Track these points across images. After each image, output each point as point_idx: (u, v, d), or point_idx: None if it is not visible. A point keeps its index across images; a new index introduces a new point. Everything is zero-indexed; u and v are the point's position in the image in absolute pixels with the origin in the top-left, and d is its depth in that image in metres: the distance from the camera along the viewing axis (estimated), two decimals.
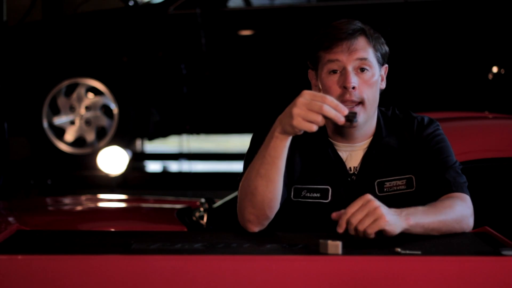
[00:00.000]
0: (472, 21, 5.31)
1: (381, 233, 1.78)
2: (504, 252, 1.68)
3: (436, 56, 5.34)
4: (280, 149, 1.90)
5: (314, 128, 1.80)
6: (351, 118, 1.82)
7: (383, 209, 1.77)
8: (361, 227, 1.76)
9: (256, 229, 2.01)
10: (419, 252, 1.71)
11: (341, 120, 1.80)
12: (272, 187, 1.94)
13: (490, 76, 5.23)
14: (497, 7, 5.30)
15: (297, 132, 1.84)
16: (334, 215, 1.80)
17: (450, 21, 5.35)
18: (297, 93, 1.84)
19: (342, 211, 1.79)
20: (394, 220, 1.78)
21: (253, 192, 1.96)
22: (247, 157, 2.15)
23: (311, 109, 1.79)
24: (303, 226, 2.12)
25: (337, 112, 1.79)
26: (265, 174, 1.93)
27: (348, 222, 1.77)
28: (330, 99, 1.79)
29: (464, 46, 5.30)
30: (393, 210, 1.81)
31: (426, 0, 5.44)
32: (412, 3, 5.34)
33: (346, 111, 1.80)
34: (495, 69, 5.22)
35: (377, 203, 1.78)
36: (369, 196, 1.79)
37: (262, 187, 1.94)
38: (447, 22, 5.35)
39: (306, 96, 1.81)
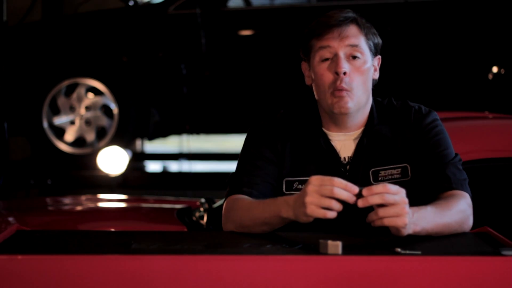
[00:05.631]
0: (472, 21, 5.31)
1: (386, 229, 1.80)
2: (504, 252, 1.68)
3: (436, 56, 5.34)
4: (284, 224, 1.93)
5: (329, 214, 1.76)
6: (359, 193, 1.77)
7: (408, 210, 1.78)
8: (381, 214, 1.76)
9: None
10: (419, 252, 1.71)
11: (352, 199, 1.75)
12: (268, 229, 1.97)
13: (490, 76, 5.23)
14: (497, 7, 5.30)
15: (310, 220, 1.81)
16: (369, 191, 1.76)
17: (450, 21, 5.35)
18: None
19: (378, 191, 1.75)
20: (408, 228, 1.80)
21: (248, 227, 1.99)
22: (242, 157, 2.17)
23: (323, 195, 1.75)
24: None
25: (348, 192, 1.75)
26: (270, 226, 1.96)
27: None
28: (338, 180, 1.76)
29: (464, 46, 5.29)
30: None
31: (426, 0, 5.44)
32: (412, 3, 5.34)
33: (356, 189, 1.76)
34: (495, 69, 5.22)
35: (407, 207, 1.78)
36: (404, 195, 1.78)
37: (259, 229, 1.97)
38: (447, 22, 5.35)
39: (314, 182, 1.77)
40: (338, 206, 1.75)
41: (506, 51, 5.25)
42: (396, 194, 1.76)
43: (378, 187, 1.75)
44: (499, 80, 5.22)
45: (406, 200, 1.78)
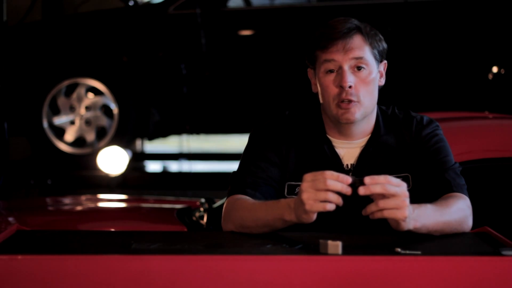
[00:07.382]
0: (472, 21, 5.31)
1: (386, 223, 1.79)
2: (504, 252, 1.68)
3: (436, 56, 5.34)
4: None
5: (328, 207, 1.76)
6: (357, 184, 1.77)
7: (409, 204, 1.78)
8: (382, 205, 1.76)
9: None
10: (419, 252, 1.71)
11: (347, 190, 1.76)
12: (269, 231, 1.97)
13: (490, 76, 5.23)
14: (497, 7, 5.30)
15: (312, 217, 1.81)
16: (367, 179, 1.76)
17: (450, 21, 5.35)
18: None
19: (380, 181, 1.75)
20: (408, 222, 1.80)
21: (249, 228, 1.99)
22: (245, 157, 2.17)
23: (318, 189, 1.76)
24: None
25: (342, 183, 1.76)
26: (272, 228, 1.96)
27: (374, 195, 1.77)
28: (330, 172, 1.76)
29: (464, 46, 5.30)
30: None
31: (426, 0, 5.44)
32: (412, 3, 5.34)
33: (349, 179, 1.76)
34: (495, 69, 5.22)
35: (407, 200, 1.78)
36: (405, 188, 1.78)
37: (260, 231, 1.97)
38: (447, 22, 5.35)
39: (307, 178, 1.79)
40: (335, 198, 1.76)
41: (506, 51, 5.26)
42: (397, 186, 1.77)
43: (380, 177, 1.76)
44: (499, 80, 5.22)
45: (407, 193, 1.78)
